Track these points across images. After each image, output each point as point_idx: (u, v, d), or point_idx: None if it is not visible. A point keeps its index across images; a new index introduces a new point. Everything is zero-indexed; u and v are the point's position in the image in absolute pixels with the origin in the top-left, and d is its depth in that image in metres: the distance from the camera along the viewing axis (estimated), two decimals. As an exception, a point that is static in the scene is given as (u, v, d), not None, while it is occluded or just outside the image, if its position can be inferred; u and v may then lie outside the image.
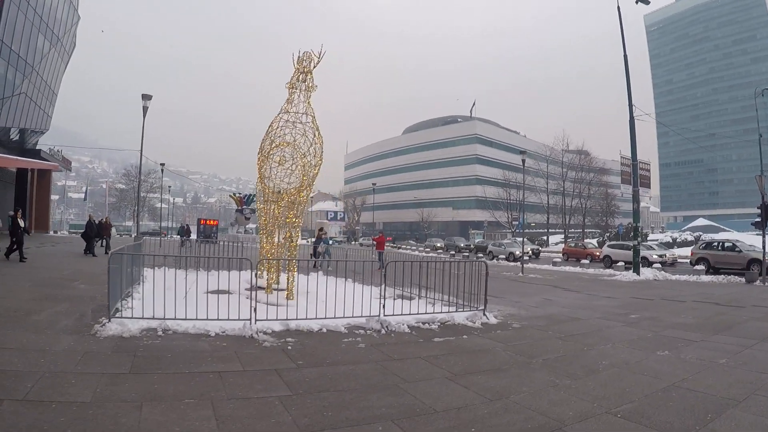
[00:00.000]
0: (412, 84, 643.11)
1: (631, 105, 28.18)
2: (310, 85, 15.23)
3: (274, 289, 14.29)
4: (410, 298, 13.33)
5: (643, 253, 33.19)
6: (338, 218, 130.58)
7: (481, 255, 48.46)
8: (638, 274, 26.64)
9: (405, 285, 14.01)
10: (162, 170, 62.81)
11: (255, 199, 79.04)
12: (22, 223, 21.02)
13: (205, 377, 6.83)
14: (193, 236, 49.45)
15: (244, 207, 75.79)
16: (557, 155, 78.97)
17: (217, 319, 9.75)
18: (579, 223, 78.35)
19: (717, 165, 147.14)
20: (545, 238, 77.87)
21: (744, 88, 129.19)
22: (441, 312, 12.11)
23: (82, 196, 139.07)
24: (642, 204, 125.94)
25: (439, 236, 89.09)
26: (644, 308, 15.23)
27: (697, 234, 69.48)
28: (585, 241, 58.48)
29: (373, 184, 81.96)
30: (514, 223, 75.30)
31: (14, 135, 45.77)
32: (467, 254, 50.66)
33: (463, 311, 12.32)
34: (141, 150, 26.96)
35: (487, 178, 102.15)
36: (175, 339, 8.88)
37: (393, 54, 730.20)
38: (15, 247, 20.75)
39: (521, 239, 40.08)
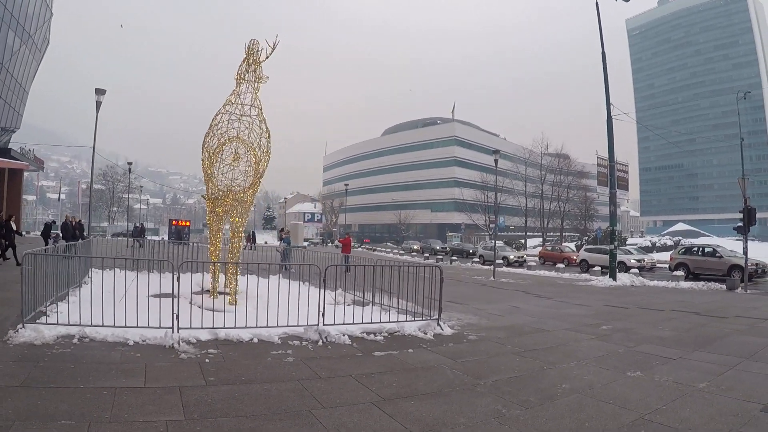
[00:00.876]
0: (392, 82, 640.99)
1: (608, 103, 27.08)
2: (260, 76, 14.09)
3: (220, 293, 13.20)
4: (363, 305, 12.26)
5: (621, 257, 32.23)
6: (315, 220, 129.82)
7: (455, 258, 47.37)
8: (615, 279, 25.60)
9: (365, 290, 12.97)
10: (129, 169, 61.36)
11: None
12: (14, 227, 21.12)
13: (97, 394, 5.95)
14: (164, 237, 48.55)
15: (215, 208, 74.39)
16: (536, 158, 78.01)
17: (137, 327, 8.80)
18: (558, 226, 77.36)
19: (697, 170, 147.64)
20: (523, 241, 76.84)
21: (725, 94, 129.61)
22: (391, 321, 10.93)
23: (60, 197, 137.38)
24: (622, 208, 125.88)
25: (418, 239, 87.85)
26: (618, 318, 13.97)
27: (676, 239, 68.93)
28: (563, 244, 57.50)
29: (346, 185, 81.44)
30: (491, 225, 74.37)
31: None
32: (441, 257, 49.32)
33: (416, 320, 11.15)
34: (93, 147, 25.88)
35: (465, 181, 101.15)
36: (89, 348, 8.04)
37: (372, 50, 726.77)
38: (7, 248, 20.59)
39: (494, 242, 38.87)
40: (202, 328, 9.14)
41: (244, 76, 13.91)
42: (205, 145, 13.81)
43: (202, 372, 7.15)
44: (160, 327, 8.74)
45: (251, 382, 6.86)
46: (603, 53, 27.16)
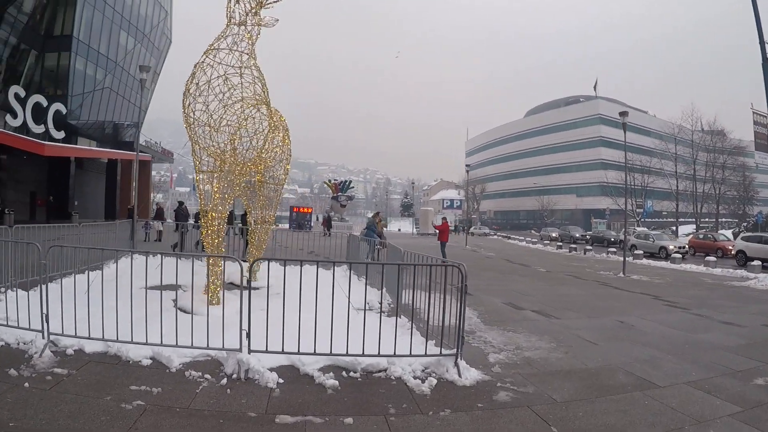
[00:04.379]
0: (528, 57, 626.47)
1: (762, 40, 21.00)
2: (260, 21, 10.74)
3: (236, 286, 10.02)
4: (389, 315, 8.75)
5: (790, 249, 25.91)
6: (455, 206, 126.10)
7: (590, 248, 41.58)
8: (781, 279, 19.58)
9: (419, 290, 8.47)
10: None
11: (350, 185, 76.39)
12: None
13: None
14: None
15: (339, 194, 72.86)
16: (686, 134, 69.83)
17: (8, 326, 7.23)
18: (713, 211, 69.12)
19: None
20: (674, 228, 69.22)
21: None
22: (377, 355, 6.70)
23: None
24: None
25: (562, 226, 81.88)
26: (784, 354, 8.52)
27: None
28: (718, 232, 50.18)
29: (467, 166, 76.01)
30: (638, 211, 67.50)
31: (108, 128, 51.61)
32: (574, 247, 43.25)
33: (424, 355, 6.92)
34: (138, 130, 23.70)
35: (613, 162, 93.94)
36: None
37: (507, 27, 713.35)
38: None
39: (624, 228, 33.76)
40: (74, 336, 6.88)
41: (245, 19, 10.51)
42: (188, 105, 10.03)
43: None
44: (29, 329, 7.01)
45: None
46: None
